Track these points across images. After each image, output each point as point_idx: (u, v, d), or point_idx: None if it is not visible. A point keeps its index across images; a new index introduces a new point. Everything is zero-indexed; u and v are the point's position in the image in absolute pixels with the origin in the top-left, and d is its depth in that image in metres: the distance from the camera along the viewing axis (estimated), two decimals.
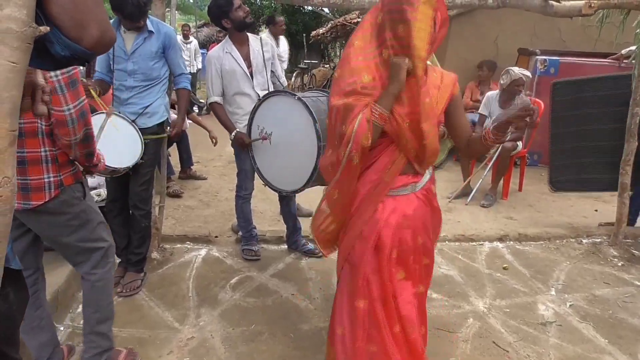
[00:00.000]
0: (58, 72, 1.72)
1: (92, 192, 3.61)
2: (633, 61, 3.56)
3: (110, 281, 2.26)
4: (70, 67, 1.75)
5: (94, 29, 0.96)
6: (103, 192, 3.63)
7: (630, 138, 3.91)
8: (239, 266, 3.55)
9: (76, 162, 2.01)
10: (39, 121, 1.81)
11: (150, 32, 3.01)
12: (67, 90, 1.76)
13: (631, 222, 4.34)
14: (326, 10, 17.55)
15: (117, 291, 3.02)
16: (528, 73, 4.84)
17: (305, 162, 2.78)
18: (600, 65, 6.02)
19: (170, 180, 4.94)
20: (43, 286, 2.19)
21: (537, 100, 5.39)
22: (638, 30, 3.16)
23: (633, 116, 3.87)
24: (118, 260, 3.28)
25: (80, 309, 2.79)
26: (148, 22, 3.00)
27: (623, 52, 5.71)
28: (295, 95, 2.87)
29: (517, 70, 4.78)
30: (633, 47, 5.25)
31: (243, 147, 3.26)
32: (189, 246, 3.85)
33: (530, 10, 3.45)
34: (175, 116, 3.50)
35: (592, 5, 3.24)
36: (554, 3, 3.33)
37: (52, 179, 1.90)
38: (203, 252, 3.77)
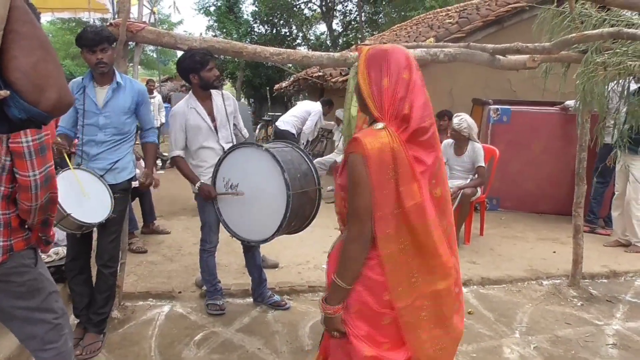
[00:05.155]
0: (29, 137, 1.68)
1: (51, 251, 3.51)
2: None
3: (70, 353, 2.08)
4: (42, 133, 1.72)
5: (52, 93, 0.98)
6: (62, 250, 3.53)
7: (580, 182, 4.11)
8: (203, 322, 3.47)
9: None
10: None
11: (119, 83, 3.02)
12: (36, 156, 1.71)
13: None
14: (288, 64, 18.05)
15: (76, 354, 2.88)
16: (466, 124, 5.02)
17: (274, 211, 2.81)
18: (549, 112, 6.37)
19: (133, 236, 4.84)
20: None
21: (491, 147, 5.63)
22: (578, 82, 3.38)
23: (580, 161, 4.09)
24: (76, 320, 3.17)
25: None
26: (118, 75, 3.04)
27: (566, 103, 6.09)
28: (262, 146, 2.94)
29: (456, 120, 5.09)
30: (571, 102, 5.62)
31: (208, 199, 3.26)
32: (151, 303, 3.74)
33: (480, 64, 3.66)
34: (139, 171, 3.49)
35: (535, 59, 3.47)
36: (501, 57, 3.56)
37: (0, 244, 1.76)
38: (166, 308, 3.67)
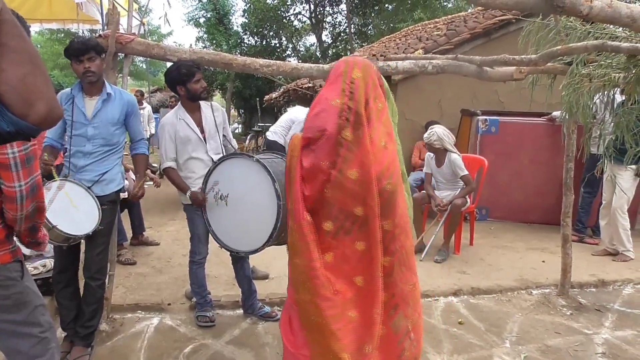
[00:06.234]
0: (15, 148, 1.65)
1: (37, 263, 3.48)
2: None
3: None
4: (29, 144, 1.71)
5: (41, 106, 0.98)
6: (49, 262, 3.49)
7: (567, 192, 4.15)
8: (193, 334, 3.44)
9: (17, 238, 1.87)
10: None
11: (109, 94, 3.01)
12: (22, 168, 1.67)
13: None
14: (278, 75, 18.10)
15: None
16: (436, 136, 5.02)
17: (264, 221, 2.81)
18: (537, 123, 6.44)
19: (122, 248, 4.80)
20: None
21: (480, 157, 5.68)
22: (564, 93, 3.43)
23: (568, 171, 4.13)
24: (64, 334, 3.12)
25: None
26: (108, 86, 3.03)
27: (553, 114, 6.17)
28: (252, 157, 2.94)
29: (425, 135, 5.15)
30: (558, 113, 5.69)
31: (199, 205, 3.25)
32: (140, 315, 3.71)
33: (467, 76, 3.70)
34: (128, 182, 3.47)
35: (522, 71, 3.52)
36: (488, 69, 3.60)
37: None
38: (155, 320, 3.63)
